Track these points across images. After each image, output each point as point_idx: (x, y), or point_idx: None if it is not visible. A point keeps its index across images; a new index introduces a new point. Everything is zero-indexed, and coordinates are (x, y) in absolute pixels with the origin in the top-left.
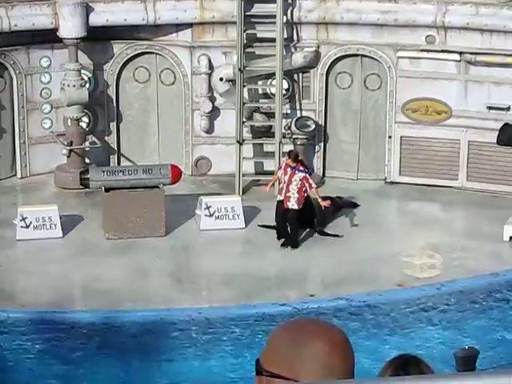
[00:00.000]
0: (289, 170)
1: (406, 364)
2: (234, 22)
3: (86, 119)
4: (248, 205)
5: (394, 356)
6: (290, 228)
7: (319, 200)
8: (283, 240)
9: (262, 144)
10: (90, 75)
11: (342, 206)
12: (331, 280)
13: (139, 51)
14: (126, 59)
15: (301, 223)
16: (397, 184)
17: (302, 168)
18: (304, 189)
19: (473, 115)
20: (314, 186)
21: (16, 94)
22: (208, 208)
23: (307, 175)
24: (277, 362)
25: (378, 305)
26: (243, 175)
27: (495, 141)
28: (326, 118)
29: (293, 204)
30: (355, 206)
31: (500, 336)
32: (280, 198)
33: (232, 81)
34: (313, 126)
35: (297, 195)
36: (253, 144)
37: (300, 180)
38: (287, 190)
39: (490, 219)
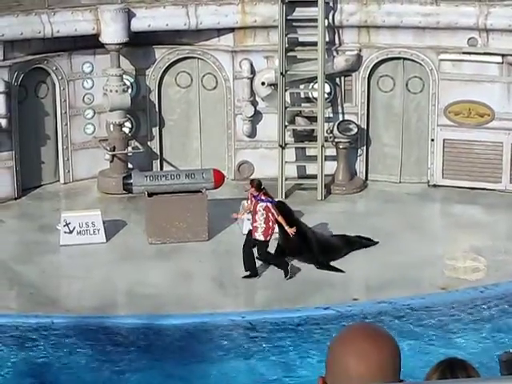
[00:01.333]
0: (253, 199)
1: (453, 367)
2: (276, 26)
3: (128, 124)
4: (293, 208)
5: (441, 359)
6: (265, 260)
7: (285, 227)
8: (248, 272)
9: (304, 148)
10: (132, 80)
11: (358, 245)
12: (375, 283)
13: (181, 56)
14: (167, 64)
15: (285, 253)
16: (439, 187)
17: (263, 197)
18: (273, 219)
19: None
20: (275, 215)
21: (59, 100)
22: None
23: (269, 204)
24: (326, 367)
25: (422, 308)
26: (286, 179)
27: None
28: (369, 121)
29: (259, 235)
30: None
31: None
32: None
33: (274, 85)
34: (355, 130)
35: (264, 226)
36: (295, 148)
37: (263, 210)
38: (254, 220)
39: None
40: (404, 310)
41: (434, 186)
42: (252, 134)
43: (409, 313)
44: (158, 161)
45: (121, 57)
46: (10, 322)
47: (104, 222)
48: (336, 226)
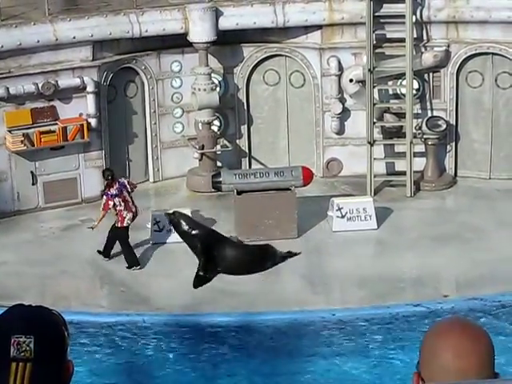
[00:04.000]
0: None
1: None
2: (363, 23)
3: (217, 123)
4: (380, 205)
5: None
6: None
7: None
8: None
9: (392, 144)
10: (221, 79)
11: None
12: (465, 280)
13: (269, 54)
14: (255, 62)
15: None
16: None
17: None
18: (118, 208)
19: None
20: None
21: (148, 99)
22: (340, 209)
23: (105, 196)
24: (421, 363)
25: None
26: (374, 176)
27: None
28: (457, 117)
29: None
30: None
31: None
32: None
33: (362, 82)
34: (444, 126)
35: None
36: (384, 145)
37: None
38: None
39: None
40: (495, 307)
41: None
42: (340, 131)
43: (499, 309)
44: (247, 159)
45: (209, 55)
46: (101, 320)
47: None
48: (426, 223)
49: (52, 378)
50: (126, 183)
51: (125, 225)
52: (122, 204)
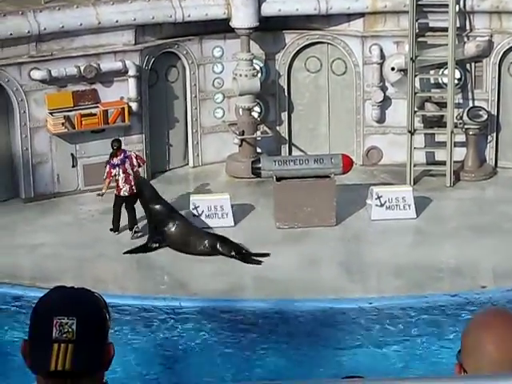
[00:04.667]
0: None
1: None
2: (406, 12)
3: (257, 109)
4: (419, 195)
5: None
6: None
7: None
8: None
9: (433, 134)
10: (262, 65)
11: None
12: (503, 271)
13: (311, 41)
14: (297, 49)
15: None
16: None
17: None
18: (116, 177)
19: None
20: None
21: (189, 84)
22: (379, 198)
23: (107, 165)
24: (463, 354)
25: None
26: (414, 165)
27: None
28: (499, 107)
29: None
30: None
31: None
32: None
33: (404, 70)
34: (485, 116)
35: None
36: (424, 134)
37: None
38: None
39: None
40: None
41: None
42: (381, 119)
43: None
44: (287, 145)
45: (251, 41)
46: (138, 304)
47: (232, 206)
48: (465, 213)
49: (93, 359)
50: (133, 156)
51: (121, 194)
52: (122, 175)
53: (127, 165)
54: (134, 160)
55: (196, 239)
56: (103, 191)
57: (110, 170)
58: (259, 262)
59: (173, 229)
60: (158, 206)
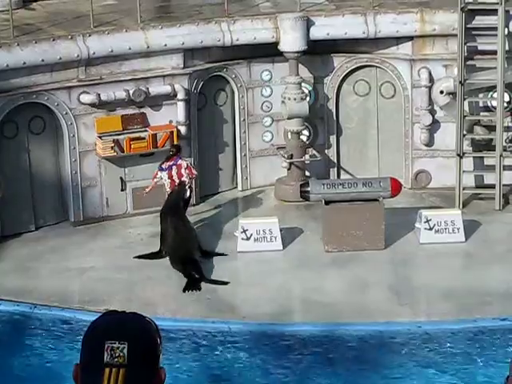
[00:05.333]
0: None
1: None
2: (455, 35)
3: (306, 132)
4: (468, 218)
5: None
6: None
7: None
8: None
9: (482, 157)
10: (311, 88)
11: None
12: None
13: (359, 64)
14: (346, 72)
15: None
16: None
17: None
18: (161, 182)
19: None
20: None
21: (237, 108)
22: (428, 221)
23: (158, 167)
24: None
25: None
26: (463, 188)
27: None
28: None
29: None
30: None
31: None
32: None
33: (452, 93)
34: None
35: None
36: (473, 157)
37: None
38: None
39: None
40: None
41: None
42: (430, 142)
43: None
44: (336, 169)
45: (299, 65)
46: (187, 327)
47: (281, 230)
48: None
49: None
50: (183, 166)
51: None
52: (168, 180)
53: (174, 172)
54: (183, 170)
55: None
56: (147, 190)
57: (156, 172)
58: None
59: (169, 240)
60: (170, 217)
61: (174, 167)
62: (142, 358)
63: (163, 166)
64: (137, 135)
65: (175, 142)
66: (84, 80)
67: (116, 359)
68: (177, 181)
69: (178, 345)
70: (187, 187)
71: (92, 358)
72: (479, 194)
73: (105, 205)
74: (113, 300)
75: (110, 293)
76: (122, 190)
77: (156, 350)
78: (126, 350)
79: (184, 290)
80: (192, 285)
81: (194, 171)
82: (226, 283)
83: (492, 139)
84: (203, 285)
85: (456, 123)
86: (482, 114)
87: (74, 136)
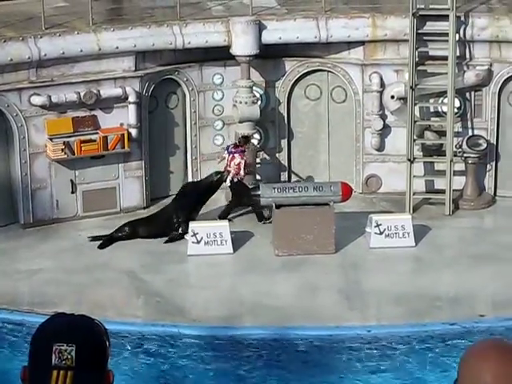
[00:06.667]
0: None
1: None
2: (406, 40)
3: (257, 136)
4: (418, 223)
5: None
6: None
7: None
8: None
9: (432, 162)
10: (262, 92)
11: None
12: (502, 300)
13: (311, 69)
14: (297, 76)
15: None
16: None
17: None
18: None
19: None
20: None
21: (189, 111)
22: (378, 226)
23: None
24: (460, 383)
25: None
26: (414, 193)
27: None
28: (498, 136)
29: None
30: None
31: None
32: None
33: (403, 99)
34: (484, 145)
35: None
36: (423, 162)
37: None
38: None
39: None
40: None
41: None
42: (380, 147)
43: None
44: (286, 173)
45: (251, 68)
46: (136, 330)
47: (232, 233)
48: (463, 242)
49: None
50: (236, 162)
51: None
52: (228, 163)
53: (230, 159)
54: (233, 163)
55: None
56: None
57: (224, 153)
58: None
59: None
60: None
61: (236, 154)
62: (90, 360)
63: (230, 150)
64: (87, 137)
65: (245, 134)
66: (35, 82)
67: (64, 361)
68: (229, 165)
69: (127, 348)
70: (226, 178)
71: (40, 361)
72: (429, 198)
73: (55, 207)
74: (62, 302)
75: (60, 295)
76: (72, 192)
77: (104, 353)
78: (74, 353)
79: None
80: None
81: (242, 172)
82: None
83: (442, 144)
84: (154, 288)
85: (407, 128)
86: (432, 119)
87: (24, 138)
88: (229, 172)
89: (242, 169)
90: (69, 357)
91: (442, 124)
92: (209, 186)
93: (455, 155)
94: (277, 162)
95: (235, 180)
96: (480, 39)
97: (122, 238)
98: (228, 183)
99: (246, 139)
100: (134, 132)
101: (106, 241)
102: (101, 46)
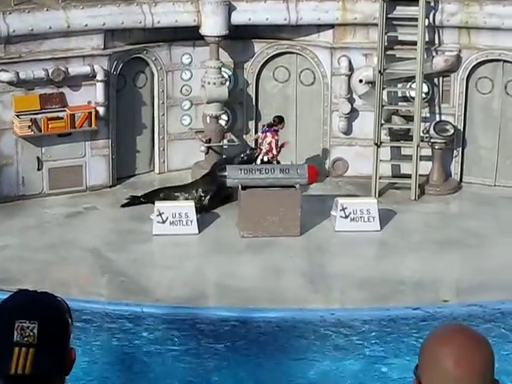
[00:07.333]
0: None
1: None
2: (376, 24)
3: (225, 117)
4: (384, 207)
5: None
6: None
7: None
8: None
9: (399, 147)
10: (231, 73)
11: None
12: (466, 286)
13: (280, 51)
14: (266, 58)
15: None
16: None
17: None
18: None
19: None
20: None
21: (157, 90)
22: (344, 209)
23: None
24: (421, 368)
25: None
26: (380, 178)
27: None
28: (465, 122)
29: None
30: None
31: None
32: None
33: (372, 83)
34: (452, 131)
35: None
36: (390, 147)
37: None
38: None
39: None
40: (494, 314)
41: None
42: (348, 131)
43: (499, 317)
44: None
45: (220, 49)
46: (100, 309)
47: (197, 214)
48: (429, 227)
49: (54, 364)
50: (267, 141)
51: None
52: (261, 141)
53: (262, 137)
54: (265, 141)
55: None
56: (252, 138)
57: (262, 132)
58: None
59: None
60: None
61: (269, 133)
62: (52, 337)
63: (264, 129)
64: (55, 115)
65: (279, 115)
66: (3, 58)
67: (26, 338)
68: (261, 147)
69: (90, 326)
70: (257, 156)
71: (2, 337)
72: (395, 183)
73: (21, 184)
74: (26, 279)
75: (24, 272)
76: (38, 169)
77: (67, 331)
78: (36, 330)
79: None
80: None
81: (274, 151)
82: None
83: (409, 129)
84: (119, 267)
85: (374, 112)
86: (400, 104)
87: None
88: (261, 150)
89: (274, 147)
90: (31, 334)
91: (409, 109)
92: (240, 163)
93: (422, 140)
94: (244, 144)
95: (265, 159)
96: (449, 25)
97: (152, 202)
98: (259, 161)
99: (279, 118)
100: (101, 110)
101: (133, 200)
102: (70, 24)
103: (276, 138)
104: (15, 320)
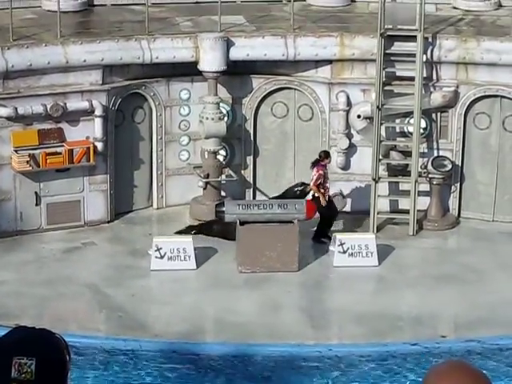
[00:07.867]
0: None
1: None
2: (374, 60)
3: (223, 152)
4: (382, 243)
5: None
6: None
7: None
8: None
9: (397, 182)
10: (229, 109)
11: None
12: (464, 321)
13: (278, 86)
14: (264, 94)
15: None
16: None
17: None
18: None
19: None
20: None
21: (155, 126)
22: (342, 245)
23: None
24: None
25: (511, 348)
26: (378, 213)
27: None
28: (463, 158)
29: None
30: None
31: None
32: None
33: (370, 118)
34: (449, 166)
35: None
36: (388, 182)
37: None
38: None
39: None
40: (493, 350)
41: None
42: (346, 166)
43: (497, 353)
44: (251, 190)
45: (218, 85)
46: (98, 344)
47: (195, 249)
48: (427, 262)
49: None
50: (315, 177)
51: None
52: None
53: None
54: (315, 177)
55: None
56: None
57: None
58: None
59: None
60: None
61: (319, 169)
62: (49, 374)
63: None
64: (53, 150)
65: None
66: (1, 93)
67: (23, 375)
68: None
69: (88, 362)
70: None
71: None
72: (393, 218)
73: (19, 219)
74: (24, 315)
75: (22, 308)
76: (36, 204)
77: (64, 367)
78: (33, 366)
79: None
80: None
81: (312, 184)
82: None
83: (408, 165)
84: (117, 303)
85: (372, 148)
86: (398, 139)
87: None
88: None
89: (313, 182)
90: (28, 370)
91: (407, 144)
92: (292, 197)
93: (420, 176)
94: (242, 179)
95: (316, 195)
96: (447, 61)
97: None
98: (310, 197)
99: (325, 153)
100: (99, 145)
101: (195, 230)
102: (68, 59)
103: (321, 172)
104: (13, 356)
